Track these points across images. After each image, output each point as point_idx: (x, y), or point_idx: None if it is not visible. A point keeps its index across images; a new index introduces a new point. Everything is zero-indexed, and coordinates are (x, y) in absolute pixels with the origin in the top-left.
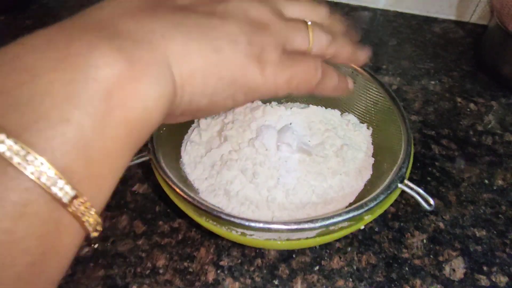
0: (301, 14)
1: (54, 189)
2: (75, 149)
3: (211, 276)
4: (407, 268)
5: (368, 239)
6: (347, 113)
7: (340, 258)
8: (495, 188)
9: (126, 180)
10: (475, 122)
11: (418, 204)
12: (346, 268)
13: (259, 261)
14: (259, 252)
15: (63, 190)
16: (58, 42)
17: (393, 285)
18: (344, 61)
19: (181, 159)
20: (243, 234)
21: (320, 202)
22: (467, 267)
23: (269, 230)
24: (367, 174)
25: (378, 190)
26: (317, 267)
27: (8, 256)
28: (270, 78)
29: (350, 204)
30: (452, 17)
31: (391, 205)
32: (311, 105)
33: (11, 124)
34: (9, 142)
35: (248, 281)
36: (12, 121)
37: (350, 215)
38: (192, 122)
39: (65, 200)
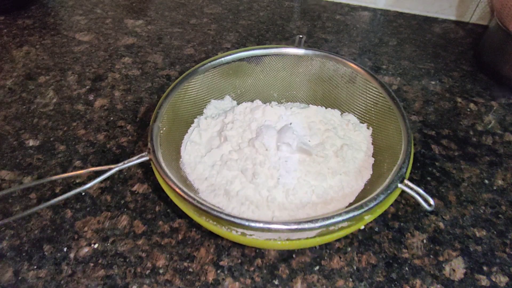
0: None
1: None
2: None
3: (211, 276)
4: (407, 268)
5: (368, 239)
6: (347, 113)
7: (340, 258)
8: (495, 188)
9: (126, 180)
10: (475, 122)
11: (418, 204)
12: (346, 268)
13: (259, 261)
14: (259, 252)
15: None
16: None
17: (393, 285)
18: None
19: (181, 159)
20: (243, 234)
21: (320, 202)
22: (467, 267)
23: (269, 230)
24: (367, 174)
25: (378, 190)
26: (317, 267)
27: None
28: None
29: (350, 204)
30: (452, 17)
31: (391, 205)
32: (311, 105)
33: None
34: None
35: (248, 281)
36: None
37: (350, 215)
38: (192, 122)
39: None
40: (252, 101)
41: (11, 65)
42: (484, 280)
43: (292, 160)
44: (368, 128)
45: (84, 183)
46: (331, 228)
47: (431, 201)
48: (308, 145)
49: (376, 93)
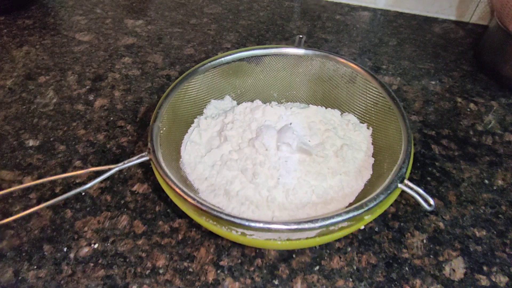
0: None
1: None
2: None
3: (211, 276)
4: (407, 268)
5: (368, 239)
6: (347, 113)
7: (340, 258)
8: (495, 188)
9: (126, 180)
10: (475, 122)
11: (418, 204)
12: (346, 268)
13: (259, 261)
14: (259, 252)
15: None
16: None
17: (393, 285)
18: None
19: (181, 159)
20: (243, 234)
21: (320, 202)
22: (467, 267)
23: (269, 230)
24: (367, 174)
25: (378, 190)
26: (317, 267)
27: None
28: None
29: (350, 204)
30: (452, 17)
31: (391, 205)
32: (311, 105)
33: None
34: None
35: (248, 281)
36: None
37: (350, 215)
38: (192, 122)
39: None
40: (252, 101)
41: (11, 65)
42: (484, 280)
43: (292, 160)
44: (368, 128)
45: (84, 183)
46: (331, 228)
47: (431, 201)
48: (308, 145)
49: (376, 93)
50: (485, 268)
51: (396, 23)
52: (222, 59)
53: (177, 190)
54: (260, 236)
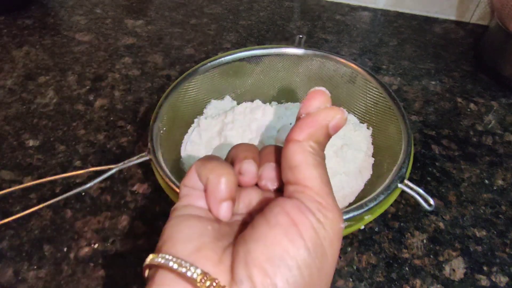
0: None
1: None
2: None
3: None
4: (407, 268)
5: (368, 239)
6: (347, 113)
7: (340, 258)
8: (495, 188)
9: (126, 180)
10: (475, 122)
11: (418, 204)
12: (346, 268)
13: None
14: None
15: None
16: None
17: (393, 285)
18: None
19: (181, 159)
20: None
21: None
22: (467, 267)
23: None
24: (367, 174)
25: (378, 190)
26: None
27: None
28: None
29: (350, 204)
30: (453, 17)
31: (391, 205)
32: None
33: None
34: None
35: None
36: None
37: (350, 215)
38: (192, 122)
39: None
40: (252, 101)
41: (11, 65)
42: (484, 280)
43: None
44: (368, 128)
45: (84, 183)
46: None
47: (431, 201)
48: None
49: (376, 93)
50: (485, 268)
51: (397, 23)
52: (222, 59)
53: (177, 190)
54: None
